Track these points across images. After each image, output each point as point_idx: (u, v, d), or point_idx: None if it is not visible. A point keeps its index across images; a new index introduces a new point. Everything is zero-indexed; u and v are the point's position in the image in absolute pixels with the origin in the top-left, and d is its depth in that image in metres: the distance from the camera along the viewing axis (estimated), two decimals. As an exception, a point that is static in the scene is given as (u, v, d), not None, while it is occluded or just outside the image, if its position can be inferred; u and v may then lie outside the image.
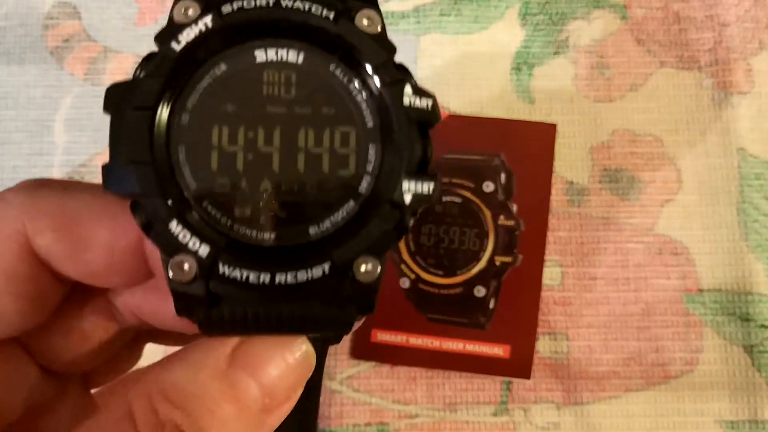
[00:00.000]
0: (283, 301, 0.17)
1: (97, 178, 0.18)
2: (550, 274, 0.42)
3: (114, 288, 0.22)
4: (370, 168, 0.18)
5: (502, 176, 0.42)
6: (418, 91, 0.18)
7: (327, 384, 0.41)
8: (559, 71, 0.45)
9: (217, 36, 0.17)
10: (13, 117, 0.45)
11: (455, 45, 0.45)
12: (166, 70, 0.17)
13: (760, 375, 0.41)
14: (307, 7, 0.18)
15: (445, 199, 0.43)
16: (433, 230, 0.42)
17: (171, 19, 0.17)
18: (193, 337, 0.19)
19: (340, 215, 0.17)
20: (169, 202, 0.17)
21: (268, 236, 0.17)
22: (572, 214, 0.43)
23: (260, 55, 0.18)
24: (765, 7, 0.45)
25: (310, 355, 0.19)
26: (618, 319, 0.42)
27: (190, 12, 0.17)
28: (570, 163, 0.44)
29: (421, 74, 0.44)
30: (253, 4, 0.17)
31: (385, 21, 0.18)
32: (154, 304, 0.21)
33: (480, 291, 0.41)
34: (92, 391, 0.24)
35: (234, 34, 0.17)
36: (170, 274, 0.16)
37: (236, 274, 0.17)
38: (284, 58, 0.18)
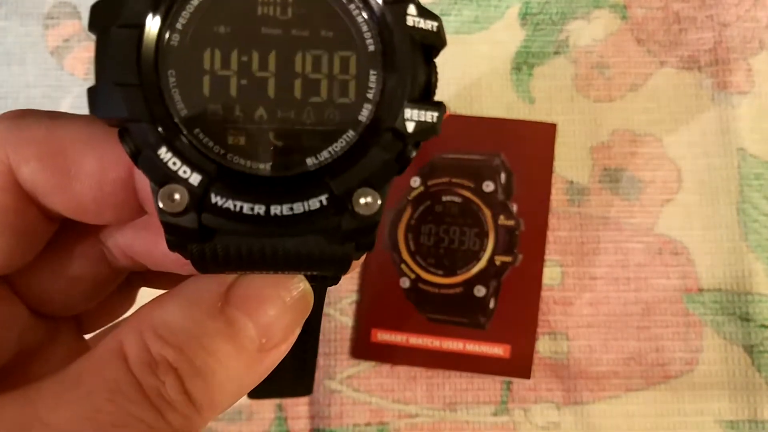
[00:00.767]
0: (279, 235, 0.16)
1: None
2: (550, 274, 0.42)
3: (104, 225, 0.21)
4: (370, 95, 0.17)
5: (502, 176, 0.42)
6: (423, 12, 0.17)
7: (327, 384, 0.41)
8: (559, 71, 0.45)
9: None
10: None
11: (455, 45, 0.45)
12: None
13: (759, 375, 0.41)
14: None
15: (445, 199, 0.43)
16: (433, 230, 0.42)
17: None
18: (188, 278, 0.18)
19: (338, 145, 0.17)
20: (159, 128, 0.16)
21: (263, 166, 0.16)
22: (572, 213, 0.43)
23: None
24: (765, 7, 0.45)
25: (307, 294, 0.19)
26: (618, 319, 0.42)
27: None
28: (570, 163, 0.44)
29: (421, 74, 0.44)
30: None
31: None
32: (146, 242, 0.21)
33: (480, 291, 0.41)
34: (86, 336, 0.24)
35: None
36: (160, 204, 0.16)
37: (229, 204, 0.16)
38: None
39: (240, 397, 0.18)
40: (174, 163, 0.16)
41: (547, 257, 0.42)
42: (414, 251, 0.42)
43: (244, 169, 0.16)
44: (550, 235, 0.43)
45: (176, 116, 0.16)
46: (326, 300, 0.43)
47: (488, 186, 0.42)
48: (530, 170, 0.43)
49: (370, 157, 0.16)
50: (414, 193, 0.43)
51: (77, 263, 0.22)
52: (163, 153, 0.16)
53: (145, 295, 0.24)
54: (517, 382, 0.41)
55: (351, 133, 0.17)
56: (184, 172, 0.16)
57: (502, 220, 0.42)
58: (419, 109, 0.16)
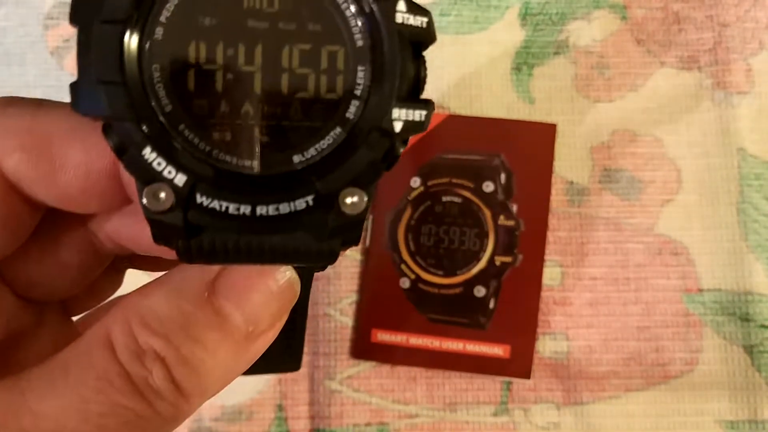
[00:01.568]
0: (266, 232, 0.16)
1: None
2: (550, 274, 0.42)
3: (91, 213, 0.21)
4: (358, 91, 0.16)
5: (502, 176, 0.42)
6: (413, 8, 0.16)
7: (327, 384, 0.41)
8: (559, 71, 0.45)
9: None
10: (14, 117, 0.45)
11: (455, 45, 0.45)
12: None
13: (759, 375, 0.41)
14: None
15: (445, 199, 0.43)
16: (433, 230, 0.42)
17: None
18: (176, 262, 0.18)
19: (326, 142, 0.16)
20: (143, 126, 0.15)
21: (249, 164, 0.16)
22: (572, 214, 0.43)
23: None
24: (765, 8, 0.45)
25: (294, 282, 0.18)
26: (618, 319, 0.42)
27: None
28: (570, 163, 0.44)
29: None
30: None
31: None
32: (133, 229, 0.21)
33: (480, 291, 0.41)
34: (74, 318, 0.24)
35: None
36: (145, 202, 0.15)
37: (215, 204, 0.16)
38: None
39: (228, 383, 0.19)
40: (159, 164, 0.15)
41: (547, 257, 0.42)
42: (414, 251, 0.42)
43: (231, 168, 0.16)
44: (550, 236, 0.43)
45: (160, 113, 0.16)
46: (327, 300, 0.43)
47: (488, 186, 0.42)
48: (530, 170, 0.43)
49: (357, 157, 0.16)
50: (414, 194, 0.43)
51: (63, 250, 0.21)
52: (148, 153, 0.15)
53: (132, 277, 0.25)
54: (517, 383, 0.41)
55: (338, 130, 0.16)
56: (169, 172, 0.15)
57: (502, 220, 0.42)
58: (407, 108, 0.16)
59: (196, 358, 0.17)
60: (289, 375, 0.42)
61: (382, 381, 0.42)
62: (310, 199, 0.16)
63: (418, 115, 0.16)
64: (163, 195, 0.15)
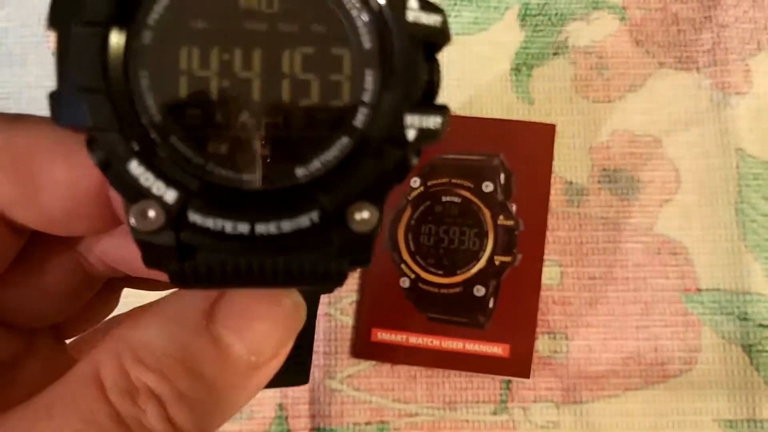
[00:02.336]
0: (267, 253, 0.15)
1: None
2: (550, 274, 0.42)
3: (78, 236, 0.19)
4: (366, 98, 0.15)
5: (502, 176, 0.43)
6: (425, 5, 0.15)
7: (327, 383, 0.42)
8: (558, 72, 0.45)
9: None
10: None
11: (455, 46, 0.45)
12: None
13: (758, 374, 0.41)
14: None
15: (444, 199, 0.43)
16: (433, 230, 0.43)
17: None
18: (171, 286, 0.16)
19: (332, 153, 0.15)
20: (129, 137, 0.14)
21: (248, 178, 0.15)
22: (571, 214, 0.43)
23: None
24: (763, 8, 0.45)
25: (299, 307, 0.17)
26: (617, 319, 0.42)
27: None
28: (569, 164, 0.44)
29: (421, 75, 0.45)
30: None
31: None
32: (125, 251, 0.19)
33: (479, 290, 0.42)
34: (68, 341, 0.22)
35: None
36: (132, 221, 0.14)
37: (209, 223, 0.14)
38: None
39: (230, 418, 0.17)
40: (146, 179, 0.14)
41: (546, 257, 0.42)
42: (414, 251, 0.42)
43: (226, 182, 0.14)
44: (550, 235, 0.43)
45: (148, 123, 0.14)
46: (326, 300, 0.43)
47: (488, 186, 0.42)
48: (529, 171, 0.43)
49: (366, 169, 0.15)
50: (414, 194, 0.43)
51: (51, 274, 0.20)
52: (134, 167, 0.14)
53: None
54: (517, 382, 0.41)
55: (345, 140, 0.15)
56: (158, 188, 0.14)
57: (501, 220, 0.42)
58: (421, 114, 0.15)
59: (194, 394, 0.16)
60: (289, 374, 0.42)
61: (382, 380, 0.42)
62: (315, 215, 0.14)
63: (432, 122, 0.15)
64: (152, 214, 0.14)
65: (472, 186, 0.42)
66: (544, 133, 0.44)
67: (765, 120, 0.44)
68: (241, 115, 0.15)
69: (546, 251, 0.42)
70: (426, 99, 0.15)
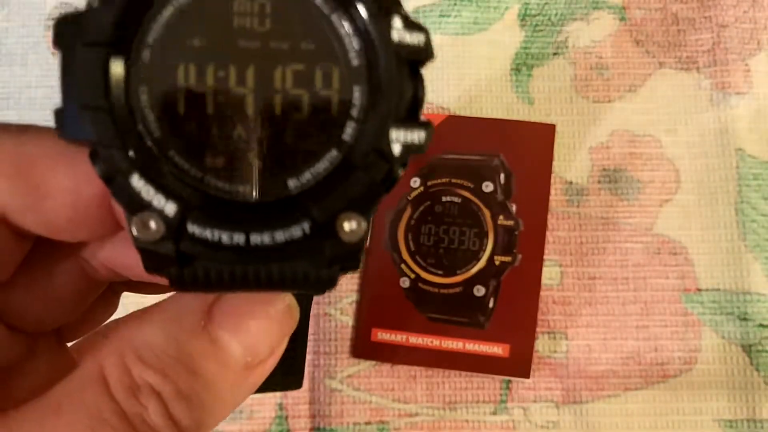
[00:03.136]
0: (261, 262, 0.15)
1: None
2: (550, 274, 0.43)
3: (81, 241, 0.20)
4: (354, 113, 0.16)
5: (502, 176, 0.43)
6: (410, 25, 0.16)
7: (327, 383, 0.42)
8: (558, 72, 0.45)
9: None
10: (15, 118, 0.45)
11: (455, 46, 0.45)
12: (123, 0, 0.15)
13: (758, 374, 0.41)
14: None
15: (444, 199, 0.43)
16: (432, 230, 0.43)
17: None
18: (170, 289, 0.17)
19: (322, 165, 0.16)
20: (130, 152, 0.15)
21: (243, 189, 0.15)
22: (571, 214, 0.43)
23: None
24: (763, 8, 0.45)
25: (293, 309, 0.18)
26: (617, 319, 0.42)
27: None
28: (569, 164, 0.44)
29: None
30: None
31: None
32: (127, 256, 0.20)
33: (479, 290, 0.42)
34: (69, 344, 0.23)
35: None
36: (134, 232, 0.15)
37: (207, 234, 0.15)
38: None
39: (228, 415, 0.18)
40: (147, 192, 0.15)
41: (546, 257, 0.42)
42: (414, 251, 0.43)
43: (223, 195, 0.15)
44: (549, 235, 0.43)
45: (149, 138, 0.15)
46: (326, 300, 0.43)
47: (487, 186, 0.42)
48: (529, 171, 0.43)
49: (354, 181, 0.15)
50: (414, 194, 0.43)
51: (55, 279, 0.21)
52: (135, 181, 0.15)
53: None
54: (517, 381, 0.41)
55: (334, 152, 0.16)
56: (159, 201, 0.15)
57: (501, 220, 0.42)
58: (406, 129, 0.15)
59: (193, 392, 0.16)
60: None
61: (382, 380, 0.42)
62: (306, 226, 0.15)
63: (417, 137, 0.16)
64: (152, 224, 0.15)
65: (472, 186, 0.42)
66: (544, 133, 0.44)
67: (765, 120, 0.44)
68: (236, 129, 0.15)
69: (546, 251, 0.42)
70: (411, 114, 0.16)
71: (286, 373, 0.22)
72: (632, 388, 0.41)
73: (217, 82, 0.15)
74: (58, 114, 0.15)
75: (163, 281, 0.16)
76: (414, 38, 0.16)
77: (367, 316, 0.42)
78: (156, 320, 0.17)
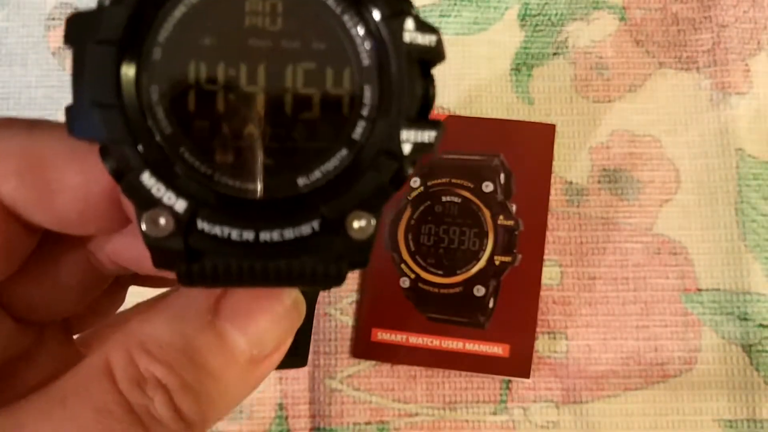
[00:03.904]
0: (270, 258, 0.16)
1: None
2: (550, 274, 0.43)
3: (90, 235, 0.20)
4: (365, 112, 0.16)
5: (502, 176, 0.43)
6: (421, 26, 0.16)
7: (327, 383, 0.42)
8: (558, 72, 0.45)
9: None
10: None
11: (455, 46, 0.45)
12: None
13: (758, 374, 0.41)
14: None
15: (444, 199, 0.43)
16: (432, 230, 0.43)
17: None
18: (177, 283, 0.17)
19: (331, 164, 0.16)
20: (141, 149, 0.15)
21: (253, 187, 0.15)
22: (571, 214, 0.43)
23: None
24: (763, 9, 0.45)
25: (299, 304, 0.18)
26: (617, 319, 0.42)
27: None
28: (569, 164, 0.44)
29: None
30: None
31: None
32: (134, 250, 0.20)
33: (479, 290, 0.42)
34: (75, 336, 0.23)
35: None
36: (144, 228, 0.15)
37: (216, 231, 0.15)
38: None
39: (232, 409, 0.18)
40: (158, 190, 0.15)
41: (546, 257, 0.42)
42: (414, 251, 0.43)
43: (233, 192, 0.15)
44: (549, 235, 0.43)
45: (159, 136, 0.15)
46: (326, 300, 0.43)
47: (488, 186, 0.42)
48: (529, 171, 0.43)
49: (364, 180, 0.15)
50: (414, 194, 0.43)
51: (62, 271, 0.21)
52: (146, 178, 0.15)
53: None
54: (517, 381, 0.41)
55: (344, 152, 0.16)
56: (169, 198, 0.15)
57: (501, 220, 0.42)
58: (416, 129, 0.16)
59: (199, 385, 0.17)
60: (289, 374, 0.42)
61: (382, 380, 0.42)
62: (315, 224, 0.15)
63: (427, 136, 0.16)
64: (162, 221, 0.15)
65: (472, 186, 0.42)
66: (544, 133, 0.44)
67: (765, 120, 0.44)
68: (246, 127, 0.15)
69: (546, 251, 0.42)
70: (421, 114, 0.16)
71: (291, 355, 0.22)
72: (632, 388, 0.41)
73: (228, 81, 0.15)
74: (69, 111, 0.15)
75: (171, 275, 0.16)
76: (426, 39, 0.16)
77: (367, 316, 0.42)
78: (162, 314, 0.17)
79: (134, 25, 0.15)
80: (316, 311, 0.42)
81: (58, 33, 0.46)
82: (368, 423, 0.41)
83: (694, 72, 0.45)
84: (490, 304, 0.42)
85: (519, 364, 0.41)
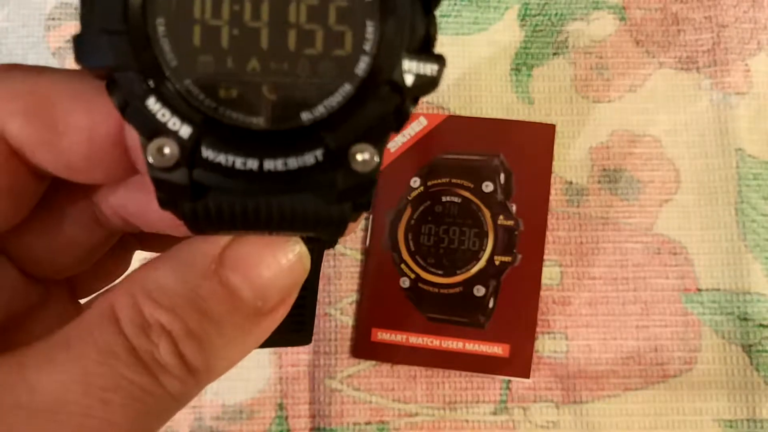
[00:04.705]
0: (273, 192, 0.16)
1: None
2: (550, 274, 0.43)
3: (95, 184, 0.20)
4: (368, 47, 0.16)
5: (502, 176, 0.43)
6: None
7: (327, 383, 0.42)
8: (558, 72, 0.45)
9: None
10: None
11: (455, 46, 0.45)
12: None
13: (758, 374, 0.41)
14: None
15: (444, 199, 0.43)
16: (432, 230, 0.43)
17: None
18: (182, 240, 0.18)
19: (335, 99, 0.16)
20: (147, 77, 0.15)
21: (257, 120, 0.16)
22: (571, 214, 0.43)
23: None
24: (763, 8, 0.45)
25: (304, 257, 0.18)
26: (617, 319, 0.42)
27: None
28: (569, 164, 0.44)
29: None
30: None
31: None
32: (139, 203, 0.20)
33: (479, 290, 0.42)
34: (81, 301, 0.23)
35: None
36: (149, 158, 0.15)
37: (221, 158, 0.15)
38: None
39: (236, 363, 0.18)
40: (163, 115, 0.15)
41: (546, 257, 0.43)
42: (414, 251, 0.43)
43: (236, 123, 0.16)
44: (549, 235, 0.43)
45: (165, 67, 0.15)
46: (327, 300, 0.43)
47: (488, 186, 0.42)
48: (529, 171, 0.43)
49: (366, 111, 0.16)
50: (414, 194, 0.43)
51: (69, 224, 0.21)
52: (152, 104, 0.15)
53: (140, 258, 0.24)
54: (517, 381, 0.41)
55: (347, 86, 0.16)
56: (174, 123, 0.15)
57: (501, 220, 0.42)
58: (418, 60, 0.16)
59: (203, 332, 0.17)
60: (289, 374, 0.42)
61: (382, 380, 0.42)
62: (319, 153, 0.16)
63: (429, 68, 0.16)
64: (167, 150, 0.15)
65: (472, 186, 0.42)
66: (544, 133, 0.44)
67: (765, 120, 0.44)
68: (250, 62, 0.16)
69: (546, 251, 0.42)
70: (423, 48, 0.16)
71: (295, 330, 0.22)
72: (632, 388, 0.41)
73: (232, 16, 0.15)
74: (77, 40, 0.15)
75: (176, 229, 0.16)
76: None
77: (367, 316, 0.42)
78: (168, 264, 0.17)
79: None
80: (316, 313, 0.42)
81: (58, 33, 0.46)
82: (368, 423, 0.41)
83: (694, 72, 0.45)
84: (490, 304, 0.42)
85: (519, 364, 0.41)
